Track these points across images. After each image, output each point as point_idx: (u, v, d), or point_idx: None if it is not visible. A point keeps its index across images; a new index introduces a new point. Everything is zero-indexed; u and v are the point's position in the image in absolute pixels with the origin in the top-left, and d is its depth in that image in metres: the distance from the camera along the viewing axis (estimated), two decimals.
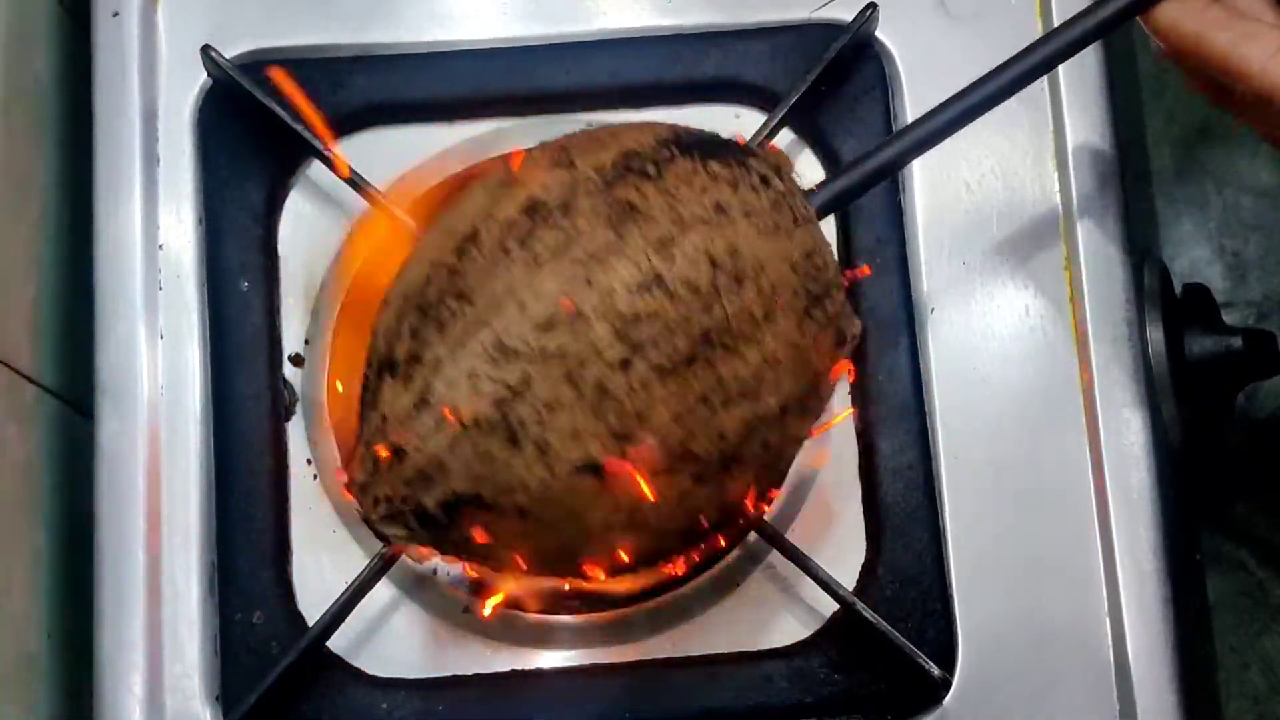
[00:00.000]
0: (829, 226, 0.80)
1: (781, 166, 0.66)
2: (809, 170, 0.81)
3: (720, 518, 0.65)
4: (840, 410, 0.78)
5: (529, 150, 0.66)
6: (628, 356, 0.60)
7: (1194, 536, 0.96)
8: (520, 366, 0.60)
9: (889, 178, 0.72)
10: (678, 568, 0.75)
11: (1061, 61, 0.69)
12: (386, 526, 0.63)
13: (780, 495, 0.77)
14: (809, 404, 0.65)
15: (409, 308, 0.62)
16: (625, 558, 0.64)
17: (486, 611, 0.75)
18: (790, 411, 0.64)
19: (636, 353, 0.60)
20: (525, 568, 0.64)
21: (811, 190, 0.68)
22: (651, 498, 0.61)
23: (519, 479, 0.61)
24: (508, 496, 0.61)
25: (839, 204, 0.69)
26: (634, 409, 0.60)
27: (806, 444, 0.76)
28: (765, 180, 0.64)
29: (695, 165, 0.63)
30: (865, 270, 0.77)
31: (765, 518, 0.76)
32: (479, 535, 0.62)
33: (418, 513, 0.62)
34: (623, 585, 0.76)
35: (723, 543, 0.76)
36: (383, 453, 0.62)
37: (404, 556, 0.74)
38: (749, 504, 0.67)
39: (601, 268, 0.60)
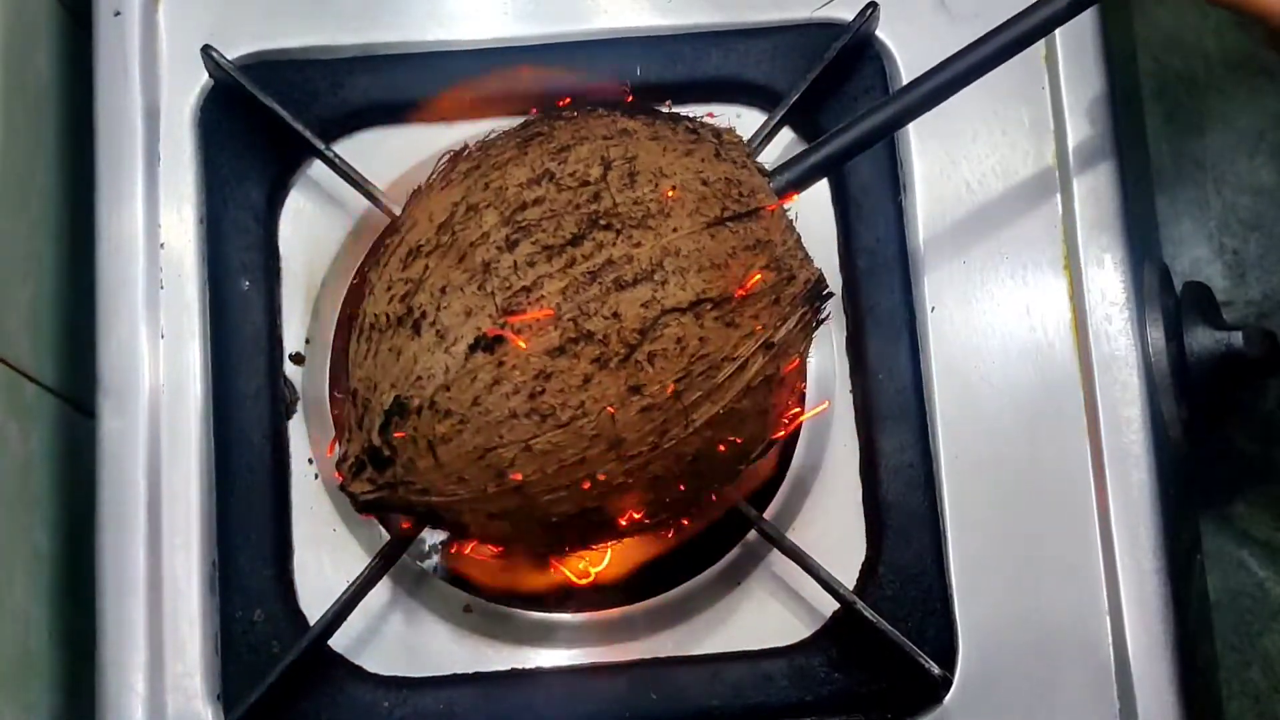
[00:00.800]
0: (829, 224, 0.81)
1: (723, 131, 0.68)
2: None
3: (642, 425, 0.63)
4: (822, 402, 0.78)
5: None
6: (514, 237, 0.63)
7: (1195, 535, 0.95)
8: (422, 261, 0.64)
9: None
10: (627, 507, 0.68)
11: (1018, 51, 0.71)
12: (354, 486, 0.65)
13: (780, 494, 0.77)
14: (735, 316, 0.64)
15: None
16: (551, 466, 0.63)
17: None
18: (706, 314, 0.63)
19: (522, 234, 0.63)
20: (457, 488, 0.64)
21: (773, 170, 0.69)
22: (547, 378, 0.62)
23: (425, 368, 0.63)
24: (420, 389, 0.63)
25: (802, 184, 0.70)
26: (520, 284, 0.62)
27: (805, 441, 0.78)
28: (694, 131, 0.67)
29: (615, 114, 0.67)
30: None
31: (765, 516, 0.76)
32: (413, 451, 0.63)
33: (370, 454, 0.64)
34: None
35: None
36: (349, 411, 0.65)
37: (405, 555, 0.74)
38: (680, 416, 0.64)
39: (499, 173, 0.64)
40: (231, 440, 0.78)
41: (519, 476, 0.63)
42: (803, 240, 0.68)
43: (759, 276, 0.64)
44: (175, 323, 0.78)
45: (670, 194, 0.64)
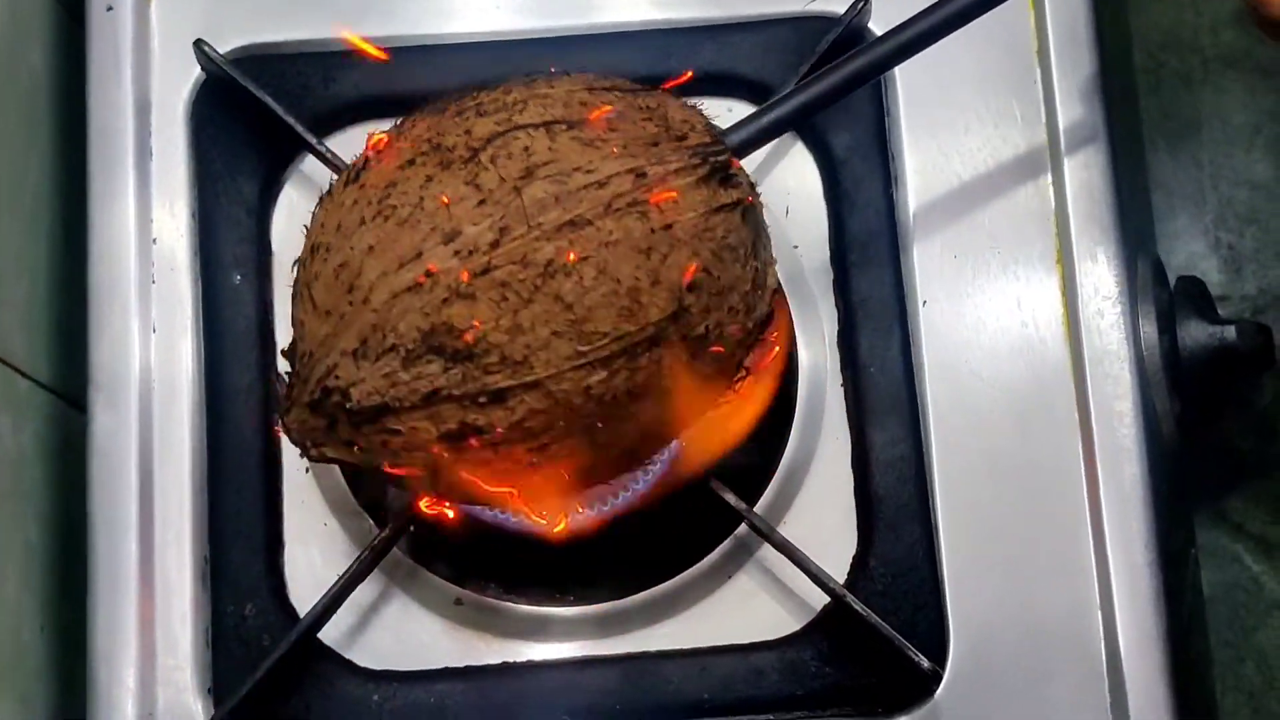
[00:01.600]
0: (820, 218, 0.81)
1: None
2: (799, 161, 0.81)
3: (479, 218, 0.61)
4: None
5: None
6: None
7: (1189, 530, 0.96)
8: (353, 191, 0.64)
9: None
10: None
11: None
12: (290, 419, 0.65)
13: (771, 487, 0.77)
14: (595, 139, 0.62)
15: None
16: (385, 263, 0.61)
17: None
18: (560, 133, 0.62)
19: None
20: (325, 326, 0.63)
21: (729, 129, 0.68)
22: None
23: (318, 228, 0.65)
24: (310, 243, 0.65)
25: (756, 143, 0.69)
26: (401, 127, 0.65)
27: (796, 434, 0.78)
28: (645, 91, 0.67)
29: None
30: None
31: (756, 510, 0.76)
32: (301, 308, 0.64)
33: (311, 403, 0.64)
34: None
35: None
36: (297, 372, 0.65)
37: (395, 549, 0.75)
38: (520, 215, 0.61)
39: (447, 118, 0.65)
40: (223, 434, 0.78)
41: (365, 283, 0.61)
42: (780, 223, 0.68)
43: (621, 109, 0.64)
44: (167, 317, 0.79)
45: (566, 77, 0.65)
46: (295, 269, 0.66)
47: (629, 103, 0.65)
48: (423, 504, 0.70)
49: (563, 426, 0.62)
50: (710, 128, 0.66)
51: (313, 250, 0.64)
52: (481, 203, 0.61)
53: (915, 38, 0.70)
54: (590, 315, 0.61)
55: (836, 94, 0.70)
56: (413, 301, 0.61)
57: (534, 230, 0.60)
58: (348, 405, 0.62)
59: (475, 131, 0.63)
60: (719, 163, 0.64)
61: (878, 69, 0.71)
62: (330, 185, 0.66)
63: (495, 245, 0.60)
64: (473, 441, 0.62)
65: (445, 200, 0.61)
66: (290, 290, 0.66)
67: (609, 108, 0.64)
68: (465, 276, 0.60)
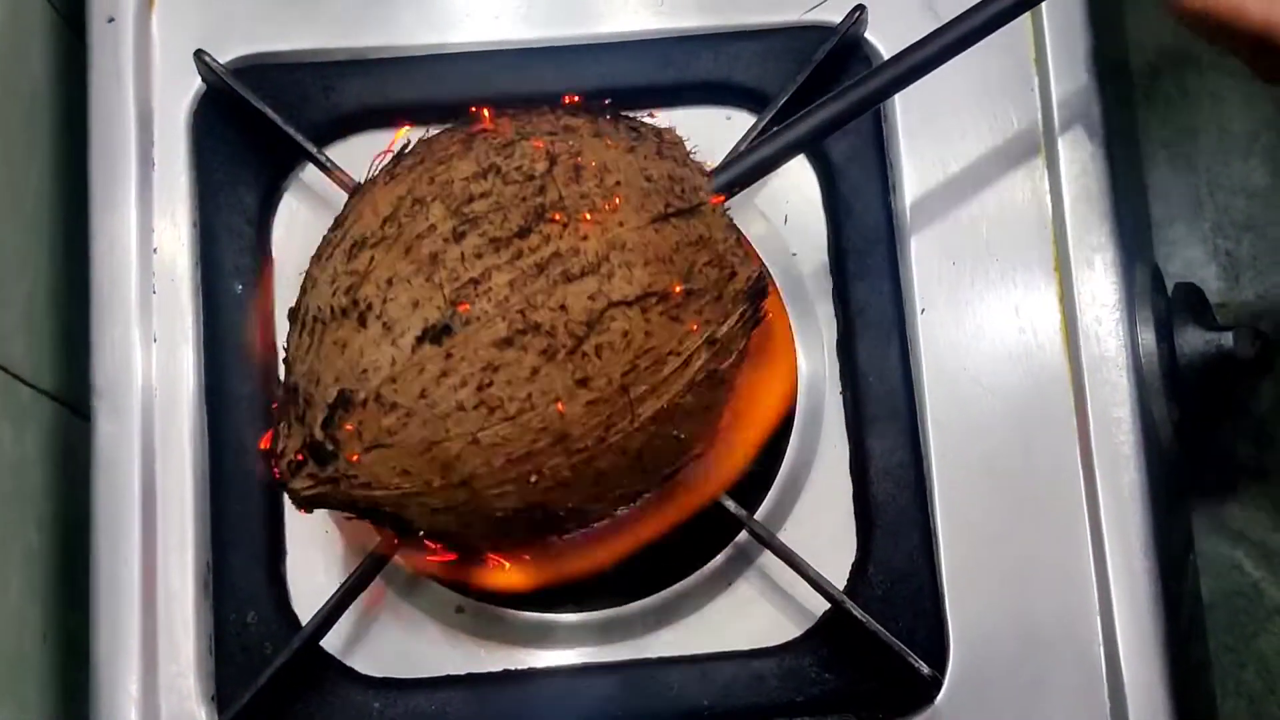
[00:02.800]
0: (819, 226, 0.81)
1: (664, 132, 0.69)
2: (798, 170, 0.81)
3: (589, 418, 0.63)
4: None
5: None
6: (461, 229, 0.63)
7: (1188, 536, 0.96)
8: (367, 253, 0.64)
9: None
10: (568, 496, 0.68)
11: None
12: (296, 483, 0.65)
13: (771, 495, 0.78)
14: (679, 311, 0.64)
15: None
16: (497, 460, 0.63)
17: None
18: (652, 308, 0.64)
19: (469, 225, 0.63)
20: (401, 482, 0.64)
21: (713, 170, 0.70)
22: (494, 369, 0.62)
23: (371, 361, 0.63)
24: (365, 383, 0.63)
25: (742, 184, 0.71)
26: (468, 276, 0.62)
27: (796, 442, 0.78)
28: (635, 129, 0.68)
29: (557, 112, 0.68)
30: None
31: (756, 517, 0.76)
32: (357, 447, 0.63)
33: (312, 449, 0.64)
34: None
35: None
36: (289, 408, 0.65)
37: (395, 558, 0.75)
38: (626, 410, 0.64)
39: (444, 167, 0.65)
40: (225, 442, 0.78)
41: (465, 470, 0.63)
42: (746, 238, 0.70)
43: (702, 272, 0.65)
44: (169, 326, 0.79)
45: (615, 188, 0.64)
46: (335, 402, 0.64)
47: (685, 232, 0.66)
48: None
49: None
50: (732, 228, 0.69)
51: (377, 400, 0.63)
52: (592, 403, 0.63)
53: (909, 70, 0.72)
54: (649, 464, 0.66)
55: (835, 125, 0.72)
56: (513, 488, 0.64)
57: (635, 422, 0.64)
58: None
59: (571, 308, 0.62)
60: (762, 300, 0.68)
61: (872, 101, 0.72)
62: (392, 312, 0.64)
63: (601, 441, 0.64)
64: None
65: (560, 404, 0.63)
66: (292, 304, 0.67)
67: (699, 274, 0.65)
68: (570, 472, 0.64)
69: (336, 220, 0.68)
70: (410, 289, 0.62)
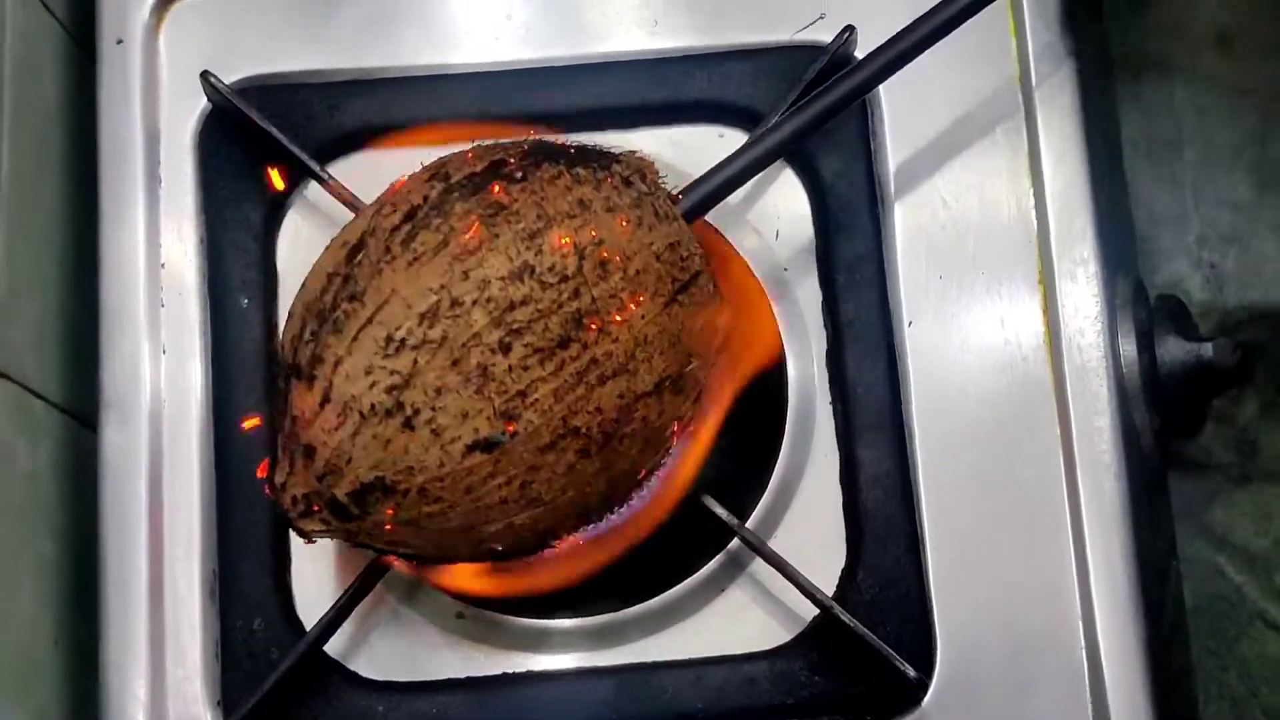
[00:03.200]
0: (809, 241, 0.83)
1: (644, 170, 0.70)
2: (788, 187, 0.83)
3: (609, 492, 0.68)
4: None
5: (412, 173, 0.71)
6: (506, 340, 0.64)
7: (1171, 541, 0.96)
8: (409, 355, 0.64)
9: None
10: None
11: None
12: (304, 523, 0.67)
13: (762, 503, 0.79)
14: (684, 383, 0.68)
15: (309, 315, 0.67)
16: (524, 534, 0.67)
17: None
18: (666, 390, 0.67)
19: (514, 336, 0.64)
20: (435, 550, 0.67)
21: (678, 195, 0.72)
22: (540, 471, 0.65)
23: (418, 460, 0.65)
24: (409, 478, 0.65)
25: (705, 207, 0.73)
26: (516, 389, 0.64)
27: (787, 452, 0.80)
28: (628, 181, 0.69)
29: (560, 170, 0.68)
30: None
31: (748, 525, 0.78)
32: (389, 520, 0.66)
33: (331, 504, 0.66)
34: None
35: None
36: (296, 453, 0.66)
37: (395, 566, 0.76)
38: (639, 477, 0.69)
39: (476, 261, 0.65)
40: (231, 453, 0.80)
41: (498, 545, 0.67)
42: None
43: (709, 347, 0.70)
44: (176, 339, 0.80)
45: (636, 278, 0.67)
46: (372, 484, 0.66)
47: (688, 307, 0.69)
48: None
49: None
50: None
51: (420, 493, 0.65)
52: (611, 480, 0.68)
53: (871, 75, 0.75)
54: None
55: (800, 137, 0.75)
56: (532, 548, 0.69)
57: (640, 474, 0.70)
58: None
59: (604, 409, 0.65)
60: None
61: (834, 110, 0.75)
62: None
63: (607, 500, 0.70)
64: None
65: (590, 492, 0.67)
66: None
67: (688, 363, 0.69)
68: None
69: (347, 281, 0.66)
70: (460, 400, 0.64)
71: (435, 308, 0.65)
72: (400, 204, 0.68)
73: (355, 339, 0.65)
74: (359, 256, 0.67)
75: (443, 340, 0.64)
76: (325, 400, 0.65)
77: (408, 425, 0.64)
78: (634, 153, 0.71)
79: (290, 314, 0.69)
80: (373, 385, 0.64)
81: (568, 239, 0.66)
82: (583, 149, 0.70)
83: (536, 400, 0.65)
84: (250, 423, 0.79)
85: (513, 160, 0.68)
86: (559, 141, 0.71)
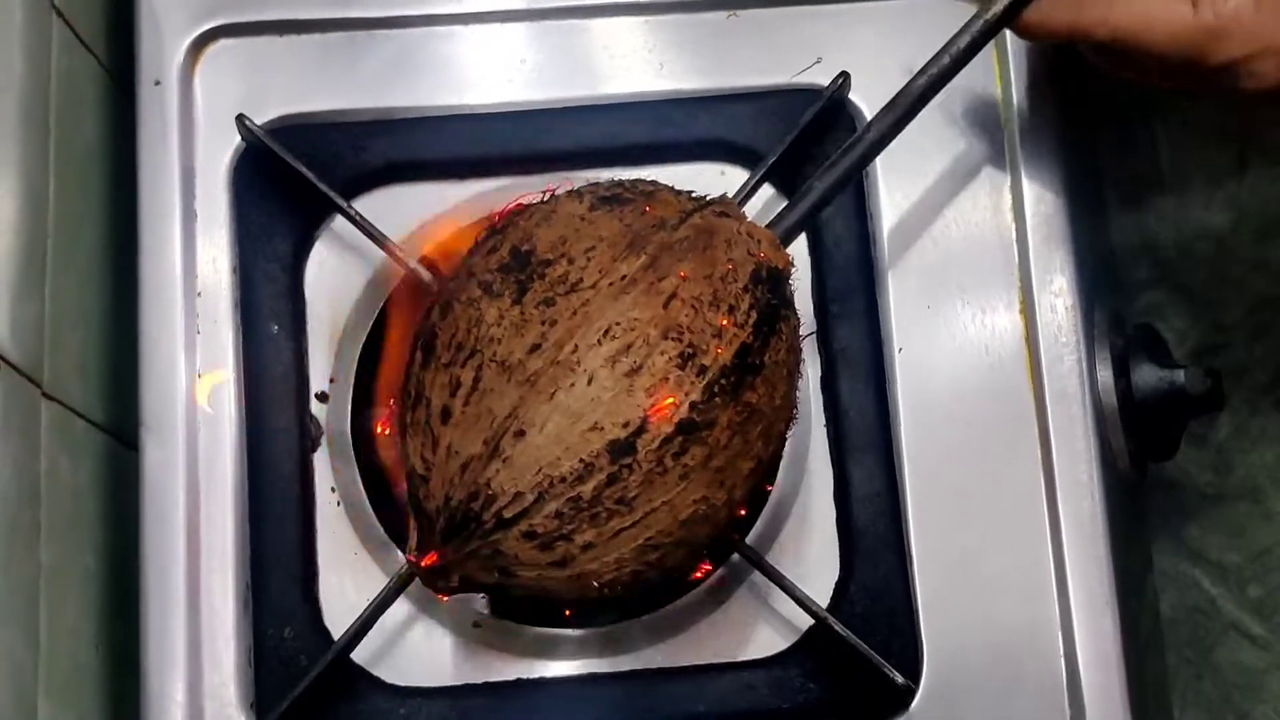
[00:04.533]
0: (804, 273, 0.86)
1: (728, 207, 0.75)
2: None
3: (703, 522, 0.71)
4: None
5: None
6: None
7: (1147, 557, 0.99)
8: (656, 554, 0.70)
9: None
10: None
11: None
12: (447, 591, 0.72)
13: (761, 520, 0.82)
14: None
15: (553, 485, 0.68)
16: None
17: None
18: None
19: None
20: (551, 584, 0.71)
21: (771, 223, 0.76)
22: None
23: (555, 581, 0.70)
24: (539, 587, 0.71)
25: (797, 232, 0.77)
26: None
27: (784, 472, 0.83)
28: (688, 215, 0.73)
29: (598, 234, 0.71)
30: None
31: (747, 541, 0.81)
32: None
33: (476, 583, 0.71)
34: None
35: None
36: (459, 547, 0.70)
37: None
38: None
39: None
40: (263, 471, 0.82)
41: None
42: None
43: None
44: (211, 363, 0.83)
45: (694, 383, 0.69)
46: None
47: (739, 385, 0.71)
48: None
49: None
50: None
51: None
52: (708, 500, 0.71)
53: (880, 137, 0.78)
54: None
55: (833, 194, 0.78)
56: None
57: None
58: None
59: (642, 436, 0.68)
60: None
61: (860, 166, 0.78)
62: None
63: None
64: None
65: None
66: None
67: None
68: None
69: (612, 481, 0.68)
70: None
71: (694, 514, 0.69)
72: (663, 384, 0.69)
73: (615, 537, 0.69)
74: (629, 459, 0.68)
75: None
76: (559, 566, 0.69)
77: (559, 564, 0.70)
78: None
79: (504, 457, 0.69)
80: (541, 514, 0.68)
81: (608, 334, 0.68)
82: (619, 198, 0.74)
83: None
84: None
85: (755, 344, 0.70)
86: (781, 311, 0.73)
